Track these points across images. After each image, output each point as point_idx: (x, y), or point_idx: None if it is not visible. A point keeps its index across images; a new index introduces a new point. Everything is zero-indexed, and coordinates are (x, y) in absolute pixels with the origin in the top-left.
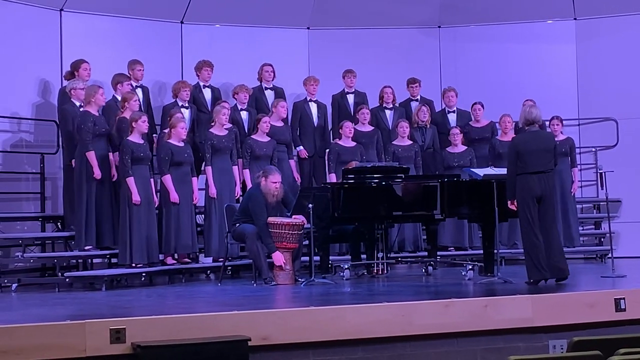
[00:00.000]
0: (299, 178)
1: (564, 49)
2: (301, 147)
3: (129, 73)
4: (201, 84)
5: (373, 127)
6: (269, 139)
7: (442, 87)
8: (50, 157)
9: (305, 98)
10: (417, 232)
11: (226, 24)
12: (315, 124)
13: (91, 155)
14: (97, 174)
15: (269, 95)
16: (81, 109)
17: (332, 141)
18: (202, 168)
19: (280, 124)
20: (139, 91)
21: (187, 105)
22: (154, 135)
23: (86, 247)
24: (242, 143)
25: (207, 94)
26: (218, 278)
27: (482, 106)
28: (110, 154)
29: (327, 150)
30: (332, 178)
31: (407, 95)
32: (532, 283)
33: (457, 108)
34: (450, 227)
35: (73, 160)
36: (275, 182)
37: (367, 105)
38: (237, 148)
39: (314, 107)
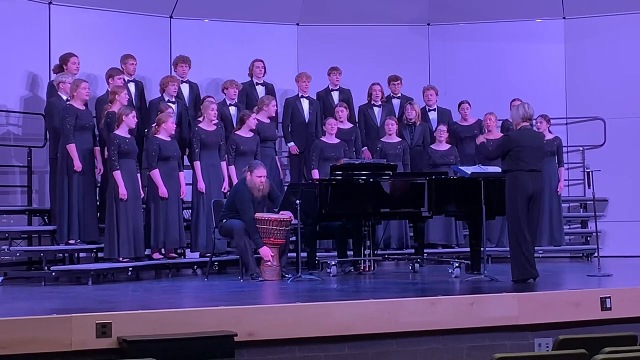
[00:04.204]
0: (282, 174)
1: (553, 48)
2: (292, 143)
3: (121, 67)
4: (179, 79)
5: (352, 125)
6: (252, 134)
7: (432, 84)
8: (37, 150)
9: (297, 94)
10: (403, 229)
11: (215, 19)
12: (307, 120)
13: (72, 148)
14: (78, 166)
15: (260, 90)
16: (67, 103)
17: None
18: (187, 163)
19: (267, 120)
20: (132, 85)
21: (173, 99)
22: (146, 130)
23: (72, 241)
24: (227, 139)
25: (185, 89)
26: (205, 273)
27: (469, 104)
28: (96, 149)
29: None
30: (314, 174)
31: (392, 93)
32: (520, 281)
33: (437, 106)
34: (440, 224)
35: (58, 153)
36: (261, 177)
37: (344, 103)
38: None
39: (305, 103)
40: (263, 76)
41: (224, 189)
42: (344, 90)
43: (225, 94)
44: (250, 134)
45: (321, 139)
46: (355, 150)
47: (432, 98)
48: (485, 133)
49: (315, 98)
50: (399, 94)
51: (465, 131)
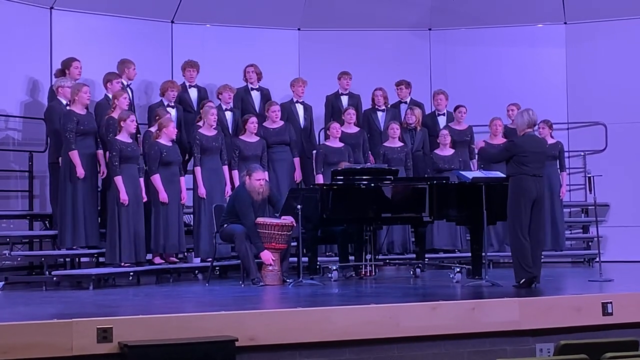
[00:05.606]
0: (299, 176)
1: (554, 53)
2: None
3: (123, 72)
4: (187, 83)
5: (359, 129)
6: (258, 139)
7: (433, 89)
8: (38, 155)
9: (292, 99)
10: (406, 234)
11: (217, 24)
12: (302, 125)
13: (74, 155)
14: (80, 173)
15: (255, 96)
16: (67, 108)
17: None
18: (189, 168)
19: (277, 125)
20: (128, 91)
21: (172, 104)
22: (138, 135)
23: (73, 246)
24: (227, 143)
25: (193, 93)
26: (206, 278)
27: (466, 109)
28: (99, 152)
29: (315, 151)
30: (319, 179)
31: (398, 97)
32: (522, 285)
33: (447, 110)
34: (445, 229)
35: (60, 158)
36: (260, 180)
37: (353, 107)
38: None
39: (300, 109)
40: (258, 81)
41: (227, 194)
42: (354, 95)
43: (220, 99)
44: (255, 139)
45: (325, 143)
46: (363, 153)
47: (442, 102)
48: (490, 137)
49: (312, 103)
50: (407, 99)
51: (457, 135)
